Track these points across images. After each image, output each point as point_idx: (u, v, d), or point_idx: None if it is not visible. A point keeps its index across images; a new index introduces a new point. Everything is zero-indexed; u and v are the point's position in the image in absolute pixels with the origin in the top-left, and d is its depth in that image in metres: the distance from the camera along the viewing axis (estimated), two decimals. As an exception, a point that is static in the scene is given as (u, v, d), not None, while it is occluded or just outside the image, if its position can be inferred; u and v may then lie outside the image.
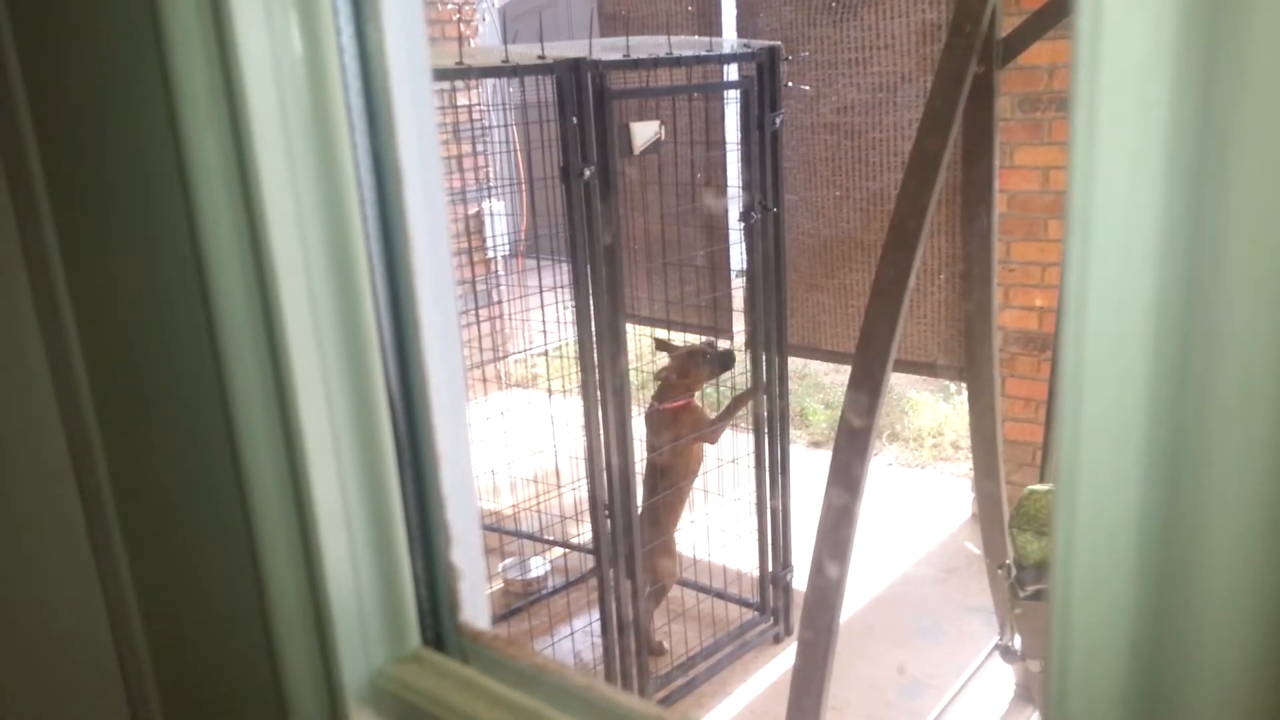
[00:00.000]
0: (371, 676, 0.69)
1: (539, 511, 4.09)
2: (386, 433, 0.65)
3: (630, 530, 3.01)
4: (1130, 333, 0.32)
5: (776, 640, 3.59)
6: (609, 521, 2.98)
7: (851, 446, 2.34)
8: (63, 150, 0.73)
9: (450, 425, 0.68)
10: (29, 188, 0.74)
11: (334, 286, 0.61)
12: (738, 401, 3.47)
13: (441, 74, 2.83)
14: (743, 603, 3.65)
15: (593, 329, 2.82)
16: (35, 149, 0.73)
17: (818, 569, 2.42)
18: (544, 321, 3.93)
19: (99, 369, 0.78)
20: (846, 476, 2.35)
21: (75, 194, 0.73)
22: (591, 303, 2.80)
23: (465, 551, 0.71)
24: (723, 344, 3.78)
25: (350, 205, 0.61)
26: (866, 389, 2.31)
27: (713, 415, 3.49)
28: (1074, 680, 0.38)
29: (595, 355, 2.85)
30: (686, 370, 3.36)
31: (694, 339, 3.93)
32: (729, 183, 3.91)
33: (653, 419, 3.40)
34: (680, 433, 3.34)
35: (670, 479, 3.34)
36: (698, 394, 3.45)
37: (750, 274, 3.32)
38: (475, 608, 0.73)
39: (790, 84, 3.94)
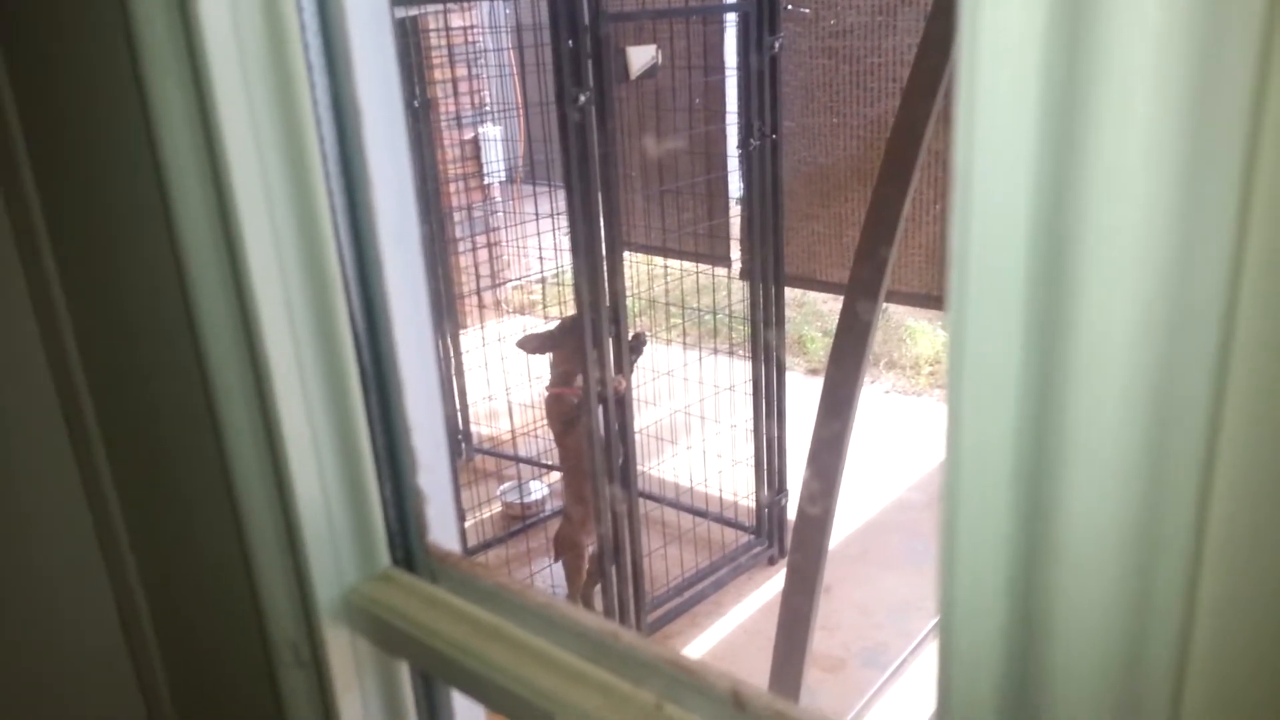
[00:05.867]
0: (344, 594, 0.73)
1: (536, 436, 4.14)
2: (351, 363, 0.68)
3: (628, 458, 3.05)
4: (1006, 282, 0.34)
5: (771, 562, 3.66)
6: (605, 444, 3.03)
7: (842, 374, 2.36)
8: (37, 107, 0.74)
9: (415, 355, 0.70)
10: (9, 146, 0.76)
11: (296, 222, 0.63)
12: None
13: (434, -4, 2.79)
14: (738, 526, 3.72)
15: (590, 255, 2.83)
16: (14, 105, 0.74)
17: (808, 492, 2.46)
18: (540, 248, 3.93)
19: (78, 299, 0.80)
20: (837, 401, 2.38)
21: (52, 146, 0.75)
22: (588, 229, 2.80)
23: (432, 476, 0.74)
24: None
25: (310, 143, 0.62)
26: (855, 330, 2.33)
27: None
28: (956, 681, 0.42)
29: (592, 282, 2.86)
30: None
31: (690, 266, 3.93)
32: (727, 109, 3.87)
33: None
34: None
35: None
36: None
37: (748, 201, 3.30)
38: (444, 530, 0.76)
39: (790, 6, 3.87)
